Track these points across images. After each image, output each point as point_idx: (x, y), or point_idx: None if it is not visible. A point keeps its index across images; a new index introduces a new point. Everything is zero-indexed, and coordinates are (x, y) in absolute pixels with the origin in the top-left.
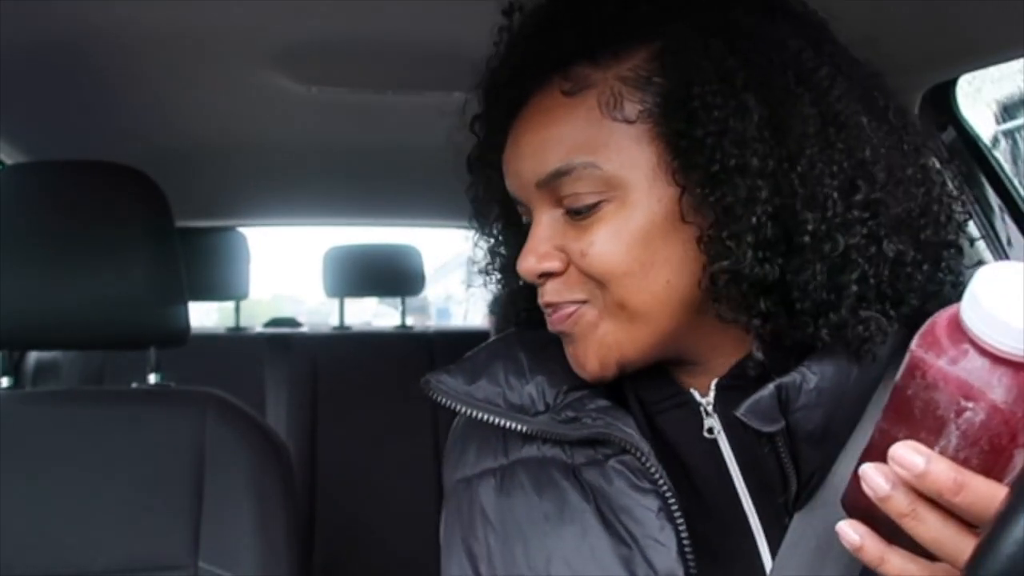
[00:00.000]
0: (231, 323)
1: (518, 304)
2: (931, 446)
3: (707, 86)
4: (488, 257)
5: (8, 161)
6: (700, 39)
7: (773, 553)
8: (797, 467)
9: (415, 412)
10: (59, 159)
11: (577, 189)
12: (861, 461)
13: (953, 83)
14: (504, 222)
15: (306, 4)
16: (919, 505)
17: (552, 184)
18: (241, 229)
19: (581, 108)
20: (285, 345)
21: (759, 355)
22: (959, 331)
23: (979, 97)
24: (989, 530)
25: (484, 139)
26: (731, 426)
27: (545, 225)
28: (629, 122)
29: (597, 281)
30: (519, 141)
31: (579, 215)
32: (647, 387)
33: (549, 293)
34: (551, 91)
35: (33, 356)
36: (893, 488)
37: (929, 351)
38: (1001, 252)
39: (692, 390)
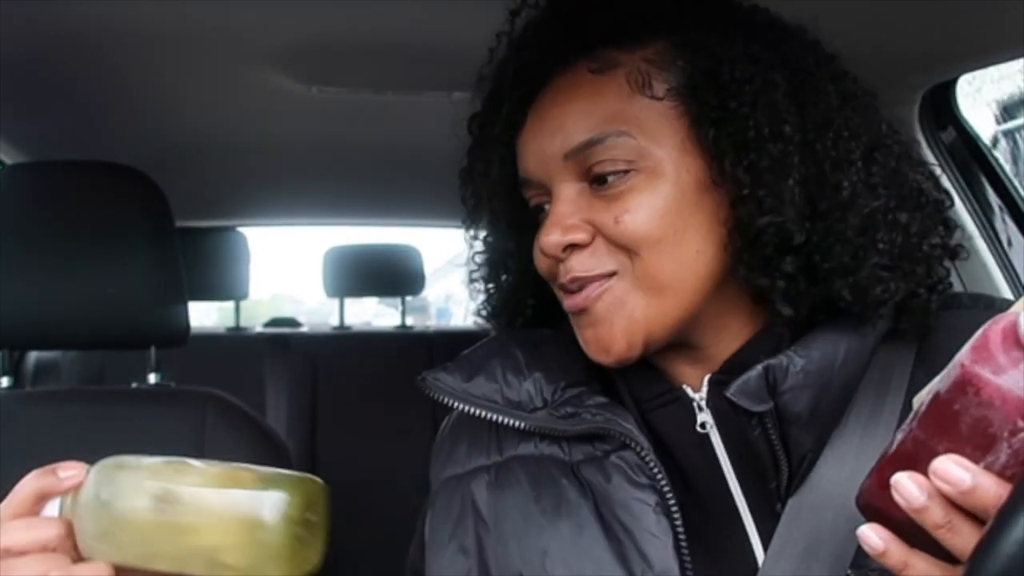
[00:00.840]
0: (231, 323)
1: (522, 304)
2: (977, 461)
3: (736, 64)
4: (488, 258)
5: (8, 161)
6: (720, 28)
7: (764, 545)
8: (787, 451)
9: (415, 412)
10: (59, 159)
11: (609, 156)
12: (887, 466)
13: (953, 83)
14: (506, 217)
15: (306, 4)
16: (955, 517)
17: (583, 154)
18: (241, 229)
19: (611, 84)
20: (285, 345)
21: (788, 311)
22: (1018, 345)
23: (979, 97)
24: (989, 529)
25: (500, 121)
26: (722, 420)
27: (568, 199)
28: (657, 99)
29: (627, 251)
30: (544, 116)
31: (606, 185)
32: (639, 385)
33: (575, 267)
34: (577, 70)
35: (33, 356)
36: (929, 499)
37: (984, 367)
38: (1001, 252)
39: (684, 386)
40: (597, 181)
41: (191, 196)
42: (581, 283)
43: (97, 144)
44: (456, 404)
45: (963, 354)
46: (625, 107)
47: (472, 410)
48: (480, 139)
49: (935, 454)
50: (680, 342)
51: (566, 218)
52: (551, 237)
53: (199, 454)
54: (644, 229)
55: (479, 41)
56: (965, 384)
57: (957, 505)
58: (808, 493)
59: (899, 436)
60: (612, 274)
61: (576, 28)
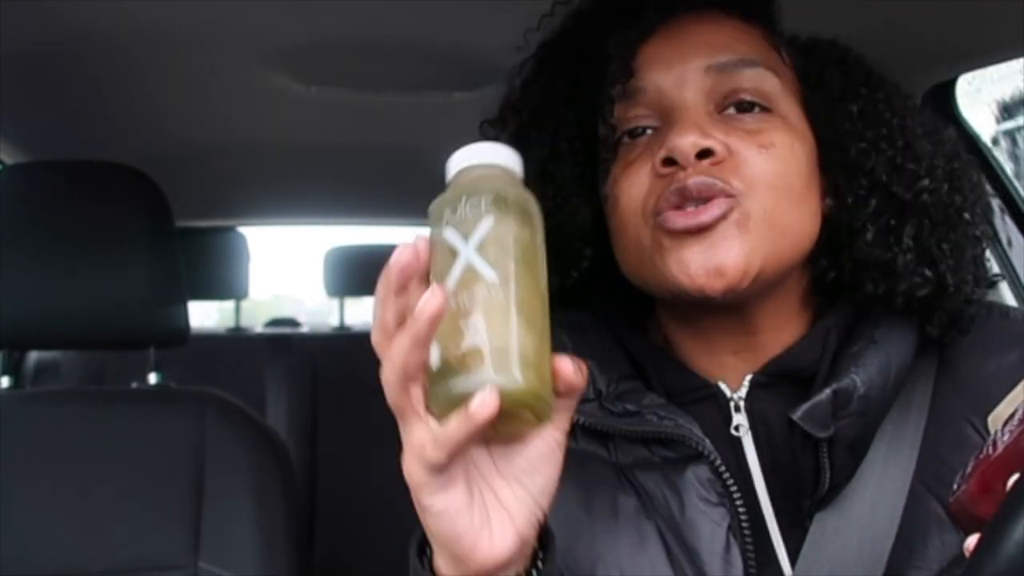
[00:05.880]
0: (231, 323)
1: (578, 255)
2: None
3: (874, 92)
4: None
5: (8, 161)
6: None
7: (789, 553)
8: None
9: None
10: (59, 159)
11: (759, 85)
12: (990, 470)
13: (953, 83)
14: (581, 135)
15: (306, 4)
16: None
17: (730, 71)
18: (241, 229)
19: (756, 29)
20: (285, 345)
21: (926, 277)
22: None
23: (979, 97)
24: (988, 530)
25: (643, 18)
26: (756, 424)
27: (699, 109)
28: (787, 65)
29: (758, 183)
30: (687, 30)
31: (749, 115)
32: (672, 377)
33: (703, 171)
34: (714, 13)
35: (33, 356)
36: None
37: None
38: (1001, 252)
39: (720, 383)
40: (736, 107)
41: (191, 196)
42: (708, 193)
43: (97, 144)
44: None
45: None
46: (771, 55)
47: None
48: (597, 31)
49: None
50: (739, 320)
51: (703, 124)
52: (688, 137)
53: (199, 454)
54: (783, 169)
55: (479, 41)
56: None
57: None
58: (834, 512)
59: (1004, 438)
60: (733, 197)
61: None
